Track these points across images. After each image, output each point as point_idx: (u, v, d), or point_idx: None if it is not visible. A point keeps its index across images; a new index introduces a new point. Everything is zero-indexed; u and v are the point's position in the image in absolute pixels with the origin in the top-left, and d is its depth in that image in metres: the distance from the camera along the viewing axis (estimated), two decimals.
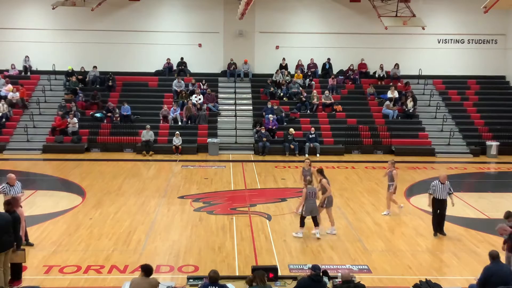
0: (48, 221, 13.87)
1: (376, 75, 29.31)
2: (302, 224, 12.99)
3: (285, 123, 25.70)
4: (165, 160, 22.76)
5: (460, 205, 16.33)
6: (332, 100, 27.12)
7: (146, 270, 7.99)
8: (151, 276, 8.04)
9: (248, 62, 29.00)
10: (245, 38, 29.10)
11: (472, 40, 29.75)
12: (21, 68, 28.72)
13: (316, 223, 12.97)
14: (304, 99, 26.88)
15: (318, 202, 13.11)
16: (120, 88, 28.17)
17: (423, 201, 16.60)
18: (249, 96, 28.09)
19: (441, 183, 13.21)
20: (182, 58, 28.98)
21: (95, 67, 28.15)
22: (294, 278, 9.00)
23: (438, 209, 13.33)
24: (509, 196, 17.78)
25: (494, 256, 8.70)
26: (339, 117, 26.60)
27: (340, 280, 8.57)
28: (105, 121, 25.60)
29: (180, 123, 25.72)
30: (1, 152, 23.66)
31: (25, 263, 10.21)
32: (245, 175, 20.05)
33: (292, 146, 24.07)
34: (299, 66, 29.19)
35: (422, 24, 26.21)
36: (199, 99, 26.75)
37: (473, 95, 28.68)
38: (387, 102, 26.97)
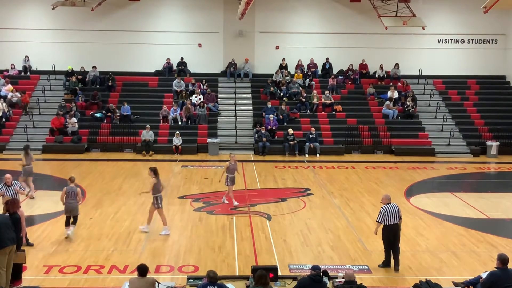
0: (48, 221, 13.86)
1: (376, 75, 29.30)
2: (67, 223, 12.63)
3: (285, 123, 25.69)
4: (165, 160, 22.74)
5: (460, 205, 16.40)
6: (332, 100, 27.12)
7: (141, 270, 8.24)
8: (148, 275, 8.27)
9: (248, 62, 28.98)
10: (245, 38, 29.10)
11: (472, 40, 29.76)
12: (21, 68, 28.72)
13: (67, 223, 12.58)
14: (304, 99, 26.87)
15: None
16: (120, 88, 28.17)
17: (423, 201, 16.70)
18: (249, 96, 28.10)
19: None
20: (182, 58, 28.98)
21: (94, 67, 28.12)
22: (294, 278, 8.99)
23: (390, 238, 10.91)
24: (509, 196, 17.78)
25: (503, 261, 8.31)
26: (339, 117, 26.60)
27: (342, 279, 8.57)
28: (105, 121, 25.60)
29: (180, 123, 25.72)
30: (1, 152, 23.66)
31: (25, 263, 10.21)
32: (245, 175, 20.04)
33: (293, 143, 24.09)
34: (299, 66, 29.19)
35: (422, 24, 26.20)
36: (199, 99, 26.74)
37: (473, 95, 28.68)
38: (387, 102, 26.97)
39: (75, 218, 12.71)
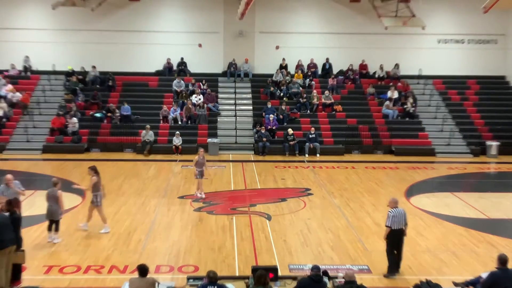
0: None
1: (376, 75, 29.30)
2: (49, 228, 12.40)
3: (285, 123, 25.69)
4: (165, 160, 22.74)
5: (460, 205, 16.40)
6: (332, 100, 27.12)
7: (141, 270, 8.26)
8: (148, 275, 8.29)
9: (248, 62, 28.99)
10: (245, 38, 29.08)
11: (472, 40, 29.73)
12: (21, 68, 28.71)
13: (49, 228, 12.36)
14: (304, 99, 26.86)
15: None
16: (120, 88, 28.14)
17: (423, 201, 16.70)
18: (249, 96, 28.08)
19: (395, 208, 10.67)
20: (182, 58, 28.96)
21: (94, 67, 28.11)
22: (294, 278, 8.99)
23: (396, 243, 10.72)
24: (509, 196, 17.79)
25: (503, 261, 8.29)
26: (339, 117, 26.59)
27: (342, 279, 8.56)
28: (105, 121, 25.60)
29: (180, 123, 25.72)
30: (1, 152, 23.65)
31: (25, 263, 10.20)
32: (245, 175, 20.04)
33: (293, 143, 24.08)
34: (299, 66, 29.17)
35: (422, 24, 26.21)
36: (199, 99, 26.74)
37: (473, 95, 28.66)
38: (387, 102, 26.97)
39: (57, 224, 12.42)
